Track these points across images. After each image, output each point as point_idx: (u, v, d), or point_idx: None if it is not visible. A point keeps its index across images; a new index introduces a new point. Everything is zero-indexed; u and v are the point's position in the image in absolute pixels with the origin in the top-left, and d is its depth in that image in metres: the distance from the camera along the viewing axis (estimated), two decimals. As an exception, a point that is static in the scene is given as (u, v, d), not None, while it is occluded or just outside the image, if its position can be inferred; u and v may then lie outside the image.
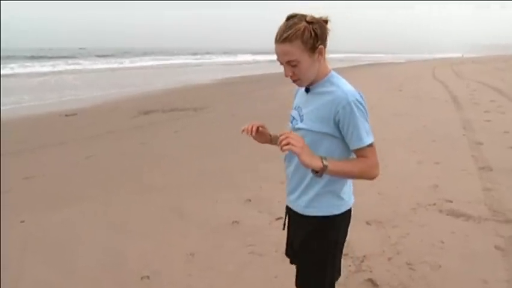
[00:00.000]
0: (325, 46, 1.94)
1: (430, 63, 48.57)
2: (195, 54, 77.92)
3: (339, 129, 1.91)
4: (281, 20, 1.95)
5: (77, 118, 11.56)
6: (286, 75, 1.97)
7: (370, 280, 3.33)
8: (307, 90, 2.05)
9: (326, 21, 1.93)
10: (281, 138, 1.81)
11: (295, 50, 1.87)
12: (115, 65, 42.72)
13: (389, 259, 3.65)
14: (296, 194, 2.12)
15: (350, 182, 2.13)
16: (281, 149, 1.82)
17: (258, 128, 2.18)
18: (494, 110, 11.23)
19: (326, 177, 1.97)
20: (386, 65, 43.74)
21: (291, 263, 2.33)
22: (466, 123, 9.44)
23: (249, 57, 66.14)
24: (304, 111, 2.01)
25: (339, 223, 2.09)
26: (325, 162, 1.84)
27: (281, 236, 4.15)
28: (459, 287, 3.26)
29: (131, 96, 16.62)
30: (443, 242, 3.94)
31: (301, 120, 2.02)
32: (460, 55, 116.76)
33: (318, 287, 2.13)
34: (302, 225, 2.12)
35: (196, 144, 8.21)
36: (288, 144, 1.79)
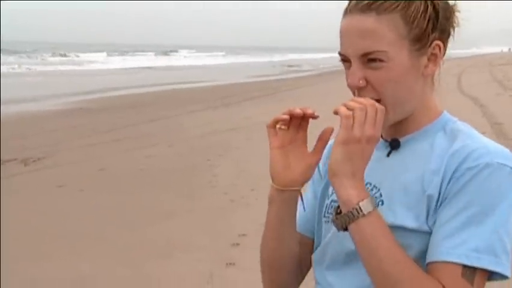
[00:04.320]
0: (444, 49, 1.00)
1: (455, 63, 29.43)
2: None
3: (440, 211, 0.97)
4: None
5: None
6: (351, 84, 0.99)
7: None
8: (394, 145, 1.05)
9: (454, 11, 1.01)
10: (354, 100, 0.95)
11: (386, 32, 0.94)
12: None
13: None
14: None
15: None
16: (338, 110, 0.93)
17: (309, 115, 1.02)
18: None
19: None
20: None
21: None
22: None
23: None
24: (386, 189, 1.01)
25: None
26: (365, 204, 0.91)
27: None
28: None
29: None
30: None
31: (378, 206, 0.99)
32: (506, 49, 78.61)
33: None
34: None
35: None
36: (351, 110, 0.91)
